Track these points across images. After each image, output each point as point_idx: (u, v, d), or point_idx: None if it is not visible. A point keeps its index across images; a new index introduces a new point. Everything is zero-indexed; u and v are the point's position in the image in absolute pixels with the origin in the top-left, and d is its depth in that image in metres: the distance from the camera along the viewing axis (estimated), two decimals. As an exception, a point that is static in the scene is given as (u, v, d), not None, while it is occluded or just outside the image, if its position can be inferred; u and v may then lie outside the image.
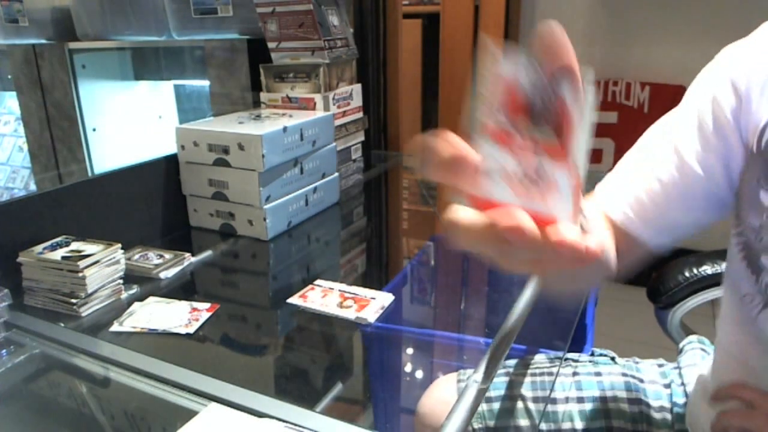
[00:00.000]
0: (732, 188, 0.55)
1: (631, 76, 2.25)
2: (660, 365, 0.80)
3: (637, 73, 2.23)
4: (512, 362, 0.81)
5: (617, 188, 0.59)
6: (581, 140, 0.32)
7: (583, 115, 0.32)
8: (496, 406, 0.75)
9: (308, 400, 0.67)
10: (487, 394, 0.76)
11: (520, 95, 0.32)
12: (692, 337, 0.85)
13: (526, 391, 0.76)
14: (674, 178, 0.55)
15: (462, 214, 0.34)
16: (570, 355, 0.84)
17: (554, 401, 0.76)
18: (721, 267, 0.62)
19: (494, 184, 0.32)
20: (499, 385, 0.77)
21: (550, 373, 0.78)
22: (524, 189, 0.32)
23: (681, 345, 0.85)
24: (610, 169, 0.60)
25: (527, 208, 0.32)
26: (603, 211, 0.58)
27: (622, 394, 0.75)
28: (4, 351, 0.72)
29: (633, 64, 2.25)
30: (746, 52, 0.54)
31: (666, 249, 0.58)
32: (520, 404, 0.75)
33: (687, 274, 1.04)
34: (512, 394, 0.76)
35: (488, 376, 0.59)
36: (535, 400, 0.75)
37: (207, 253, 1.04)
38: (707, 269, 1.04)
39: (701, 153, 0.54)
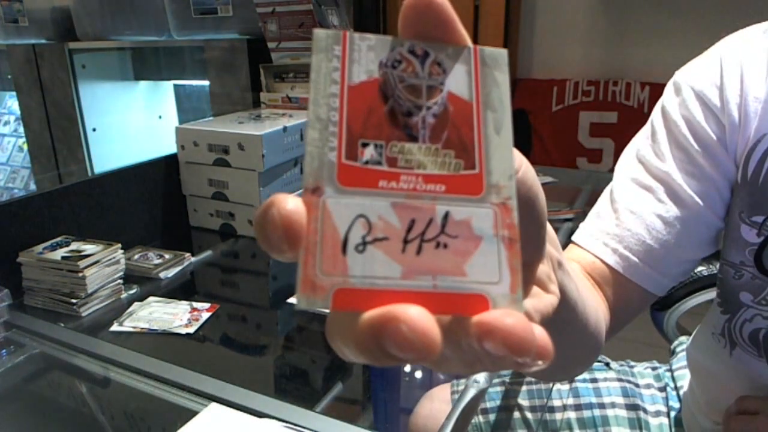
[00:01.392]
0: (724, 217, 0.52)
1: (631, 76, 2.25)
2: (654, 368, 0.80)
3: (637, 73, 2.23)
4: (507, 372, 0.81)
5: (607, 231, 0.51)
6: (503, 155, 0.21)
7: (500, 117, 0.21)
8: (493, 417, 0.75)
9: (308, 400, 0.67)
10: (483, 406, 0.76)
11: (384, 105, 0.20)
12: (683, 338, 0.85)
13: (522, 400, 0.75)
14: (675, 212, 0.50)
15: (333, 324, 0.20)
16: None
17: (552, 410, 0.75)
18: (716, 268, 0.63)
19: (366, 261, 0.19)
20: (494, 396, 0.77)
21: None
22: (418, 258, 0.19)
23: (672, 346, 0.85)
24: (611, 170, 0.58)
25: (427, 290, 0.19)
26: (596, 258, 0.51)
27: (620, 400, 0.74)
28: (4, 351, 0.72)
29: (633, 64, 2.25)
30: (712, 72, 0.51)
31: (663, 293, 0.53)
32: (517, 414, 0.74)
33: None
34: (509, 404, 0.75)
35: (489, 376, 0.59)
36: (533, 409, 0.74)
37: (207, 253, 1.04)
38: (702, 270, 1.03)
39: (694, 181, 0.50)
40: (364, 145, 0.20)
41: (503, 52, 0.22)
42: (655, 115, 0.54)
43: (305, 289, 0.18)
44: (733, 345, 0.56)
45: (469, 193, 0.20)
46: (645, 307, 0.53)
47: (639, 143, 0.54)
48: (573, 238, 0.53)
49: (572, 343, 0.40)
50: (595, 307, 0.43)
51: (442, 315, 0.19)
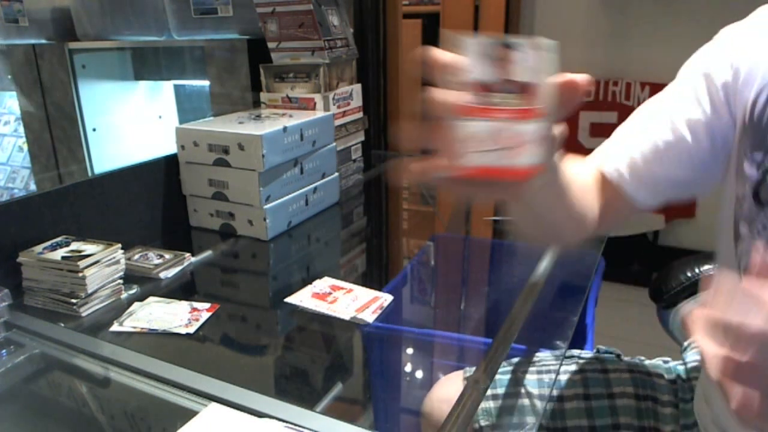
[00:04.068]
0: (716, 157, 0.60)
1: (631, 76, 2.25)
2: (665, 361, 0.81)
3: (637, 73, 2.23)
4: (517, 359, 0.81)
5: (612, 149, 0.65)
6: (547, 96, 0.39)
7: (541, 75, 0.39)
8: (503, 403, 0.76)
9: (308, 400, 0.67)
10: (494, 391, 0.76)
11: (480, 73, 0.39)
12: None
13: (532, 388, 0.76)
14: (664, 139, 0.60)
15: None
16: (576, 352, 0.84)
17: (561, 399, 0.76)
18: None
19: (471, 153, 0.39)
20: (505, 382, 0.77)
21: (557, 371, 0.78)
22: (497, 151, 0.39)
23: (686, 344, 0.86)
24: None
25: (499, 166, 0.39)
26: (599, 169, 0.64)
27: (630, 390, 0.75)
28: (4, 351, 0.72)
29: (633, 64, 2.25)
30: (742, 33, 0.59)
31: (651, 208, 0.63)
32: (527, 401, 0.75)
33: (689, 273, 1.05)
34: (519, 391, 0.76)
35: (489, 376, 0.59)
36: (542, 397, 0.75)
37: (207, 253, 1.04)
38: (709, 269, 1.04)
39: (691, 119, 0.59)
40: (473, 94, 0.39)
41: (554, 43, 0.38)
42: (689, 62, 0.63)
43: None
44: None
45: (527, 116, 0.39)
46: (631, 214, 0.65)
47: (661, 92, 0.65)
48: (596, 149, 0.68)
49: (560, 209, 0.57)
50: (583, 202, 0.61)
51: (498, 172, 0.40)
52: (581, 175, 0.63)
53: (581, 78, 0.40)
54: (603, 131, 2.29)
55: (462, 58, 0.39)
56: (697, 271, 1.04)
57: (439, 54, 0.40)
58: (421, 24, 2.53)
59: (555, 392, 0.77)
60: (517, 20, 2.39)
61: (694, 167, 0.60)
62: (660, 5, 2.16)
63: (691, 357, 0.79)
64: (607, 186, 0.63)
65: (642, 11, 2.20)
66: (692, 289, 1.04)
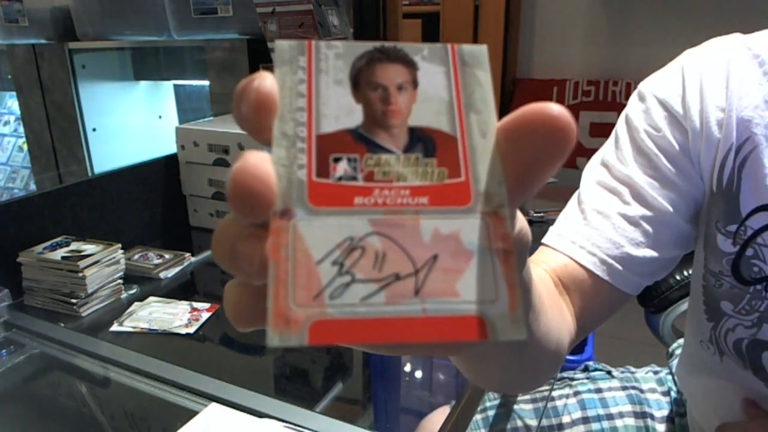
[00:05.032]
0: (693, 221, 0.53)
1: (631, 76, 2.25)
2: (655, 372, 0.80)
3: (637, 73, 2.23)
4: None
5: (577, 232, 0.51)
6: (491, 160, 0.19)
7: (484, 118, 0.19)
8: None
9: (308, 400, 0.67)
10: (491, 429, 0.75)
11: (347, 114, 0.19)
12: (681, 341, 0.84)
13: (530, 420, 0.74)
14: (640, 213, 0.50)
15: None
16: (566, 374, 0.82)
17: (561, 426, 0.74)
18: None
19: (345, 288, 0.17)
20: (501, 417, 0.75)
21: (551, 398, 0.77)
22: (404, 280, 0.17)
23: (671, 349, 0.84)
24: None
25: (415, 315, 0.17)
26: (568, 259, 0.50)
27: (627, 408, 0.73)
28: (4, 351, 0.72)
29: (633, 64, 2.25)
30: (674, 81, 0.52)
31: (637, 293, 0.52)
32: None
33: (678, 277, 1.01)
34: (516, 425, 0.74)
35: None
36: (542, 429, 0.73)
37: (207, 253, 1.04)
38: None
39: (657, 185, 0.50)
40: (337, 160, 0.18)
41: (483, 49, 0.20)
42: (619, 123, 0.55)
43: (278, 324, 0.16)
44: (721, 353, 0.56)
45: (456, 203, 0.18)
46: (618, 308, 0.52)
47: (604, 150, 0.55)
48: (543, 240, 0.53)
49: (530, 355, 0.37)
50: (559, 325, 0.42)
51: (435, 343, 0.18)
52: (543, 282, 0.46)
53: (555, 108, 0.19)
54: (603, 131, 2.29)
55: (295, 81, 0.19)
56: (686, 273, 1.01)
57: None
58: (421, 24, 2.53)
59: (554, 420, 0.74)
60: (517, 20, 2.39)
61: (681, 240, 0.52)
62: (660, 5, 2.16)
63: (676, 366, 0.78)
64: (588, 283, 0.49)
65: (642, 11, 2.20)
66: (681, 292, 1.01)
